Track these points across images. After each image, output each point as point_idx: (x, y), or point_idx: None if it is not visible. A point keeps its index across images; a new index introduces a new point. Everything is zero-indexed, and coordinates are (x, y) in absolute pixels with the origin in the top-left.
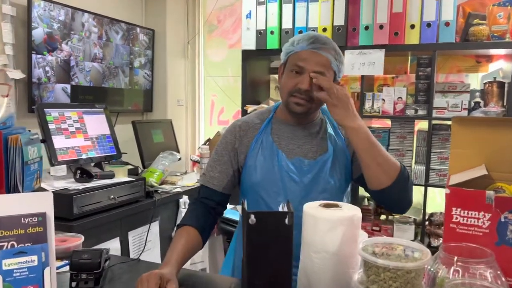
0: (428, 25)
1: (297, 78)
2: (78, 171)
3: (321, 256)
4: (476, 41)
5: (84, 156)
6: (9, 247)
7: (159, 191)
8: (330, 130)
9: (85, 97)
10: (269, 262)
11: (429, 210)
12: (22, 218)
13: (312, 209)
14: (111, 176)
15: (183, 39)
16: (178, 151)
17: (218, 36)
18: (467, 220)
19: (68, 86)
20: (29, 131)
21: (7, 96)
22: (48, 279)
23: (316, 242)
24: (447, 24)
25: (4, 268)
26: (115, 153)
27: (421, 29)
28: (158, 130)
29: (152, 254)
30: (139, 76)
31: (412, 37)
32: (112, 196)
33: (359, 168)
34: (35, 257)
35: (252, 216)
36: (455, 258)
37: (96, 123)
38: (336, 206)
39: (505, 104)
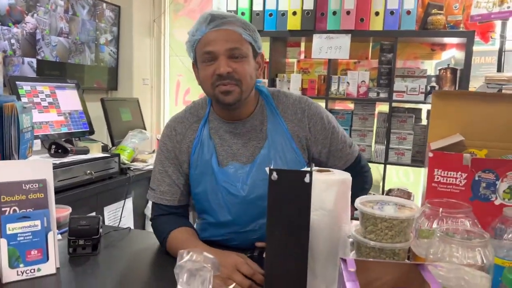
0: (392, 12)
1: (212, 66)
2: (53, 146)
3: (319, 213)
4: (433, 30)
5: (57, 132)
6: (11, 212)
7: (131, 168)
8: (269, 120)
9: (51, 72)
10: (289, 214)
11: (386, 187)
12: (23, 184)
13: None
14: (86, 151)
15: (149, 17)
16: (145, 130)
17: (184, 16)
18: (446, 180)
19: (34, 61)
20: (19, 100)
21: None
22: (52, 243)
23: (314, 201)
24: (408, 12)
25: (8, 232)
26: (88, 129)
27: (385, 16)
28: (126, 108)
29: None
30: (104, 53)
31: (377, 24)
32: (88, 171)
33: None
34: (38, 222)
35: (275, 173)
36: (440, 209)
37: (68, 98)
38: (328, 171)
39: (457, 88)
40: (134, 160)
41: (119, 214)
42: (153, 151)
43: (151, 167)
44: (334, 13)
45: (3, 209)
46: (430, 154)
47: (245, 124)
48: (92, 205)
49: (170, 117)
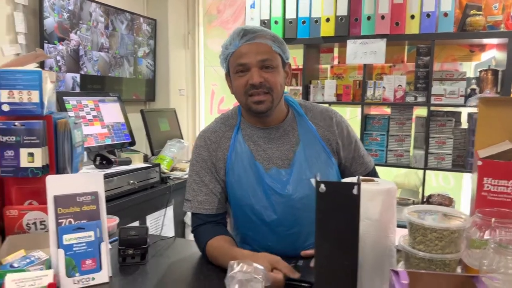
0: (428, 15)
1: (245, 77)
2: (98, 158)
3: (364, 223)
4: (472, 31)
5: (101, 143)
6: (67, 223)
7: (171, 177)
8: (299, 125)
9: (93, 86)
10: (338, 226)
11: (426, 193)
12: (78, 197)
13: None
14: (129, 162)
15: (183, 29)
16: (182, 139)
17: (217, 26)
18: (497, 189)
19: (78, 76)
20: (69, 116)
21: (52, 82)
22: (105, 253)
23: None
24: (445, 14)
25: (65, 242)
26: (130, 140)
27: (421, 19)
28: (164, 118)
29: None
30: (142, 65)
31: (412, 27)
32: (131, 181)
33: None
34: (91, 233)
35: (322, 185)
36: (493, 219)
37: (111, 111)
38: (372, 180)
39: (499, 90)
40: (173, 169)
41: (161, 222)
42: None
43: None
44: (369, 18)
45: (59, 220)
46: (479, 163)
47: (278, 130)
48: (135, 214)
49: (205, 125)
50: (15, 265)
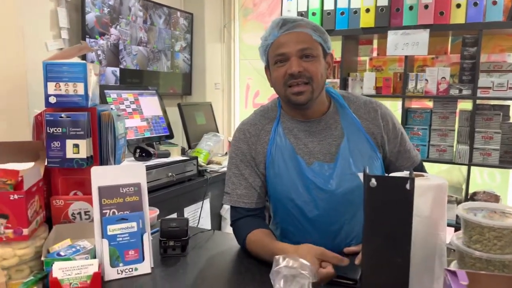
0: (475, 4)
1: (284, 67)
2: (138, 150)
3: (413, 220)
4: None
5: (140, 136)
6: (111, 214)
7: (208, 170)
8: (342, 117)
9: (132, 80)
10: (389, 222)
11: (470, 190)
12: (121, 188)
13: None
14: (167, 155)
15: (219, 23)
16: (218, 133)
17: (253, 20)
18: None
19: (117, 70)
20: (112, 108)
21: (96, 75)
22: (147, 244)
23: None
24: (494, 2)
25: (109, 233)
26: (168, 134)
27: (467, 8)
28: (200, 112)
29: None
30: (179, 59)
31: (458, 16)
32: (170, 174)
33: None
34: (134, 224)
35: (373, 180)
36: None
37: (150, 104)
38: (422, 176)
39: None
40: (209, 162)
41: (198, 214)
42: (225, 153)
43: (225, 169)
44: (411, 8)
45: (104, 211)
46: None
47: (320, 123)
48: (173, 206)
49: (240, 119)
50: (62, 253)
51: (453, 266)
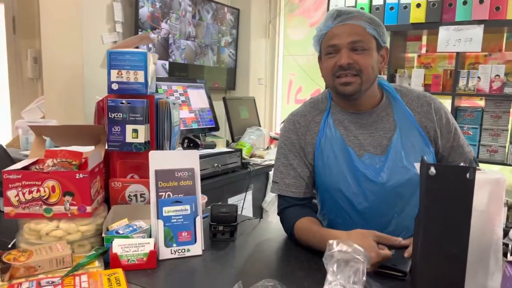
0: None
1: (335, 58)
2: (186, 140)
3: None
4: None
5: (188, 127)
6: (166, 196)
7: (251, 163)
8: (395, 110)
9: (180, 73)
10: (447, 213)
11: None
12: (176, 172)
13: None
14: (213, 146)
15: (265, 18)
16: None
17: (299, 15)
18: None
19: (167, 63)
20: (167, 97)
21: (154, 64)
22: (199, 226)
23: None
24: None
25: (164, 214)
26: (214, 126)
27: None
28: (244, 107)
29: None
30: (224, 54)
31: None
32: (216, 164)
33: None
34: (188, 207)
35: (432, 168)
36: None
37: (198, 97)
38: (479, 169)
39: None
40: (252, 155)
41: (241, 205)
42: (267, 148)
43: (268, 162)
44: (465, 2)
45: (159, 193)
46: None
47: (371, 115)
48: (217, 196)
49: (282, 115)
50: (120, 231)
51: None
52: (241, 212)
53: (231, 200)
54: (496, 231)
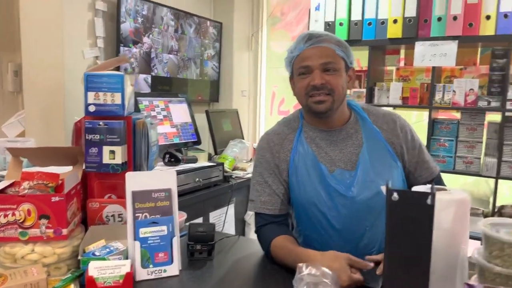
0: (505, 16)
1: (307, 78)
2: (167, 155)
3: (436, 233)
4: None
5: (170, 142)
6: (143, 218)
7: (233, 176)
8: (363, 127)
9: (162, 87)
10: (410, 236)
11: (498, 203)
12: (153, 193)
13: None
14: (195, 160)
15: (248, 31)
16: (244, 139)
17: (281, 29)
18: None
19: (149, 77)
20: (146, 117)
21: (132, 85)
22: (176, 247)
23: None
24: None
25: (141, 235)
26: (196, 140)
27: (497, 20)
28: (227, 119)
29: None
30: (208, 67)
31: (487, 28)
32: (197, 179)
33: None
34: (164, 227)
35: (395, 194)
36: None
37: (179, 111)
38: (444, 189)
39: None
40: (234, 168)
41: (223, 219)
42: (250, 160)
43: (250, 175)
44: (439, 19)
45: (136, 214)
46: None
47: (341, 132)
48: (199, 210)
49: (265, 126)
50: (97, 253)
51: (474, 280)
52: (223, 226)
53: (212, 214)
54: (462, 249)
